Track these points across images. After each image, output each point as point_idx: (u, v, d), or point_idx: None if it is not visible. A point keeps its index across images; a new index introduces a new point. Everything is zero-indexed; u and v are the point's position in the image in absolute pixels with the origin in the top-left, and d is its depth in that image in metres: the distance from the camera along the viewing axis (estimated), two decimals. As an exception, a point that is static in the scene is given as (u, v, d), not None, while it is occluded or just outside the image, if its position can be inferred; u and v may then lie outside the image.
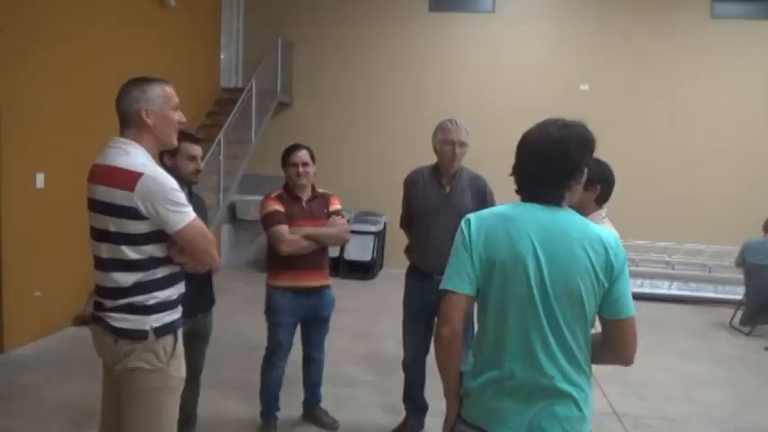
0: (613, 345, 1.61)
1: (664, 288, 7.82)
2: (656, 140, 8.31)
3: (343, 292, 6.52)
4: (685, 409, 4.12)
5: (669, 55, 8.21)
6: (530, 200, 1.62)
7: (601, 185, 2.46)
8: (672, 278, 7.92)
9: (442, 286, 1.63)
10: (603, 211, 2.52)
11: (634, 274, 7.87)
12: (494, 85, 8.52)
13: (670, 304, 7.46)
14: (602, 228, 1.61)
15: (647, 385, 4.52)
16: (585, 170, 1.63)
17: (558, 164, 1.57)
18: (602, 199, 2.50)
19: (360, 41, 8.79)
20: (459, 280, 1.61)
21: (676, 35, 8.18)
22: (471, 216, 1.67)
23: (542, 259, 1.54)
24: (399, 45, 8.71)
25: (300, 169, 3.18)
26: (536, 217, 1.58)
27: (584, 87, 8.37)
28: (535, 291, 1.54)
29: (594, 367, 2.46)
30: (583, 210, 2.48)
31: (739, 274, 6.72)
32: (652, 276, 7.95)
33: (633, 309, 1.59)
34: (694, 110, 8.22)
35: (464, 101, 8.28)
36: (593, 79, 8.36)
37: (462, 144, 3.12)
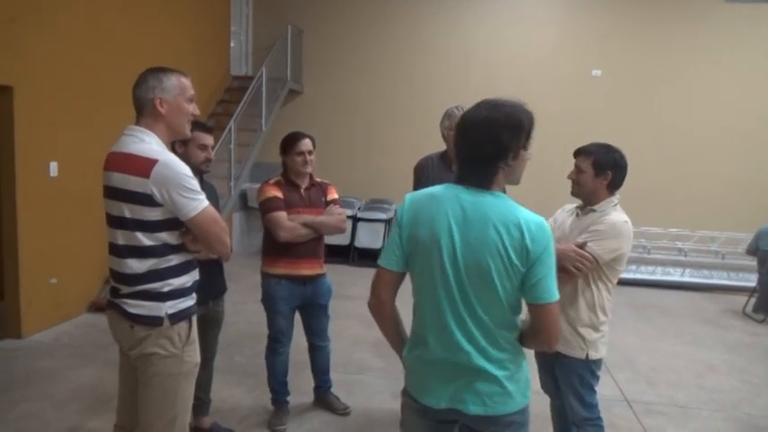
0: (536, 329, 1.63)
1: (676, 275, 7.78)
2: (669, 126, 8.21)
3: (354, 280, 6.56)
4: (696, 396, 4.11)
5: (682, 39, 8.09)
6: (460, 180, 1.64)
7: (612, 172, 2.44)
8: (684, 265, 7.88)
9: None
10: (616, 198, 2.51)
11: (646, 262, 7.84)
12: (504, 70, 8.45)
13: (682, 291, 7.43)
14: (529, 213, 1.59)
15: (658, 372, 4.52)
16: (521, 151, 1.61)
17: (484, 146, 1.57)
18: (613, 186, 2.48)
19: (370, 28, 8.74)
20: (387, 257, 1.70)
21: (689, 19, 8.05)
22: (408, 195, 1.72)
23: (457, 239, 1.58)
24: (409, 31, 8.64)
25: (307, 158, 3.19)
26: (459, 198, 1.61)
27: (597, 73, 8.28)
28: (449, 269, 1.59)
29: (605, 353, 2.49)
30: (594, 196, 2.49)
31: (752, 262, 6.67)
32: (664, 263, 7.91)
33: (555, 295, 1.58)
34: (708, 95, 8.11)
35: (474, 87, 8.22)
36: (606, 64, 8.26)
37: None
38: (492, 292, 1.57)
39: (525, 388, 1.69)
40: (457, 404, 1.64)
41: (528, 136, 1.62)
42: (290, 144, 3.21)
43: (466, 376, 1.62)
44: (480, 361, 1.60)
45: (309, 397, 3.65)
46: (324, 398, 3.59)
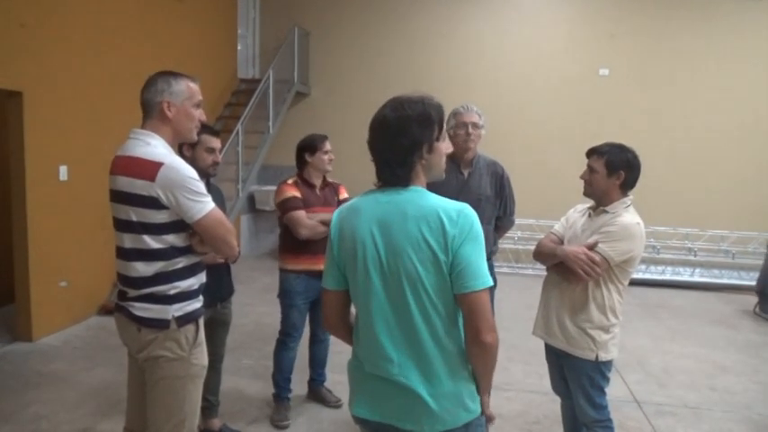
0: (466, 324, 1.51)
1: (686, 275, 7.71)
2: (678, 125, 8.14)
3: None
4: (708, 396, 4.07)
5: (691, 37, 8.02)
6: (380, 182, 1.61)
7: (625, 172, 2.43)
8: (694, 265, 7.81)
9: None
10: (629, 199, 2.49)
11: (656, 261, 7.78)
12: (511, 70, 8.41)
13: (692, 291, 7.36)
14: (449, 201, 1.53)
15: (669, 373, 4.48)
16: (435, 143, 1.57)
17: (395, 144, 1.53)
18: (626, 186, 2.47)
19: (376, 29, 8.74)
20: (326, 277, 1.69)
21: (698, 16, 7.98)
22: (336, 210, 1.69)
23: (380, 244, 1.53)
24: (415, 32, 8.63)
25: (332, 156, 3.39)
26: (378, 202, 1.57)
27: (604, 72, 8.23)
28: (374, 278, 1.54)
29: (616, 353, 2.47)
30: (606, 197, 2.47)
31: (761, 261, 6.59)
32: (674, 263, 7.85)
33: (484, 282, 1.48)
34: (718, 93, 8.03)
35: (481, 87, 8.21)
36: (613, 63, 8.21)
37: (476, 126, 3.10)
38: (422, 295, 1.50)
39: (470, 401, 1.57)
40: (390, 419, 1.58)
41: (440, 127, 1.58)
42: (317, 144, 3.37)
43: (396, 391, 1.55)
44: (409, 376, 1.53)
45: (303, 390, 3.72)
46: (317, 391, 3.72)
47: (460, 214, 1.49)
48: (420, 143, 1.53)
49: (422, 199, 1.54)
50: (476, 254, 1.49)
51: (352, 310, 1.71)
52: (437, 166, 1.61)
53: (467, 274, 1.47)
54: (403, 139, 1.52)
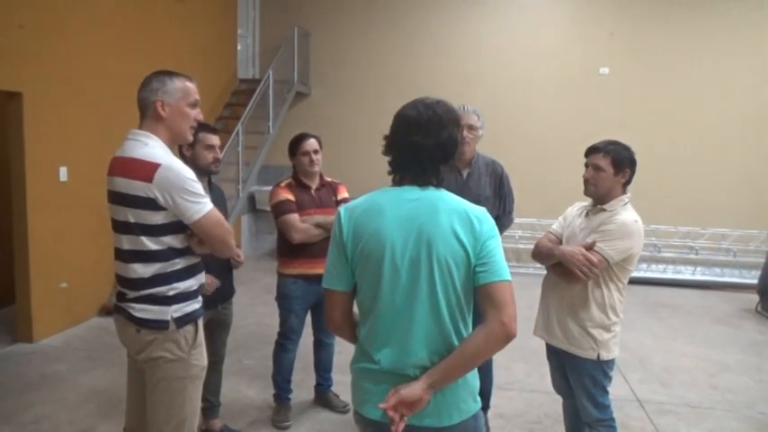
0: (494, 307, 1.49)
1: (687, 273, 7.70)
2: (679, 123, 8.13)
3: (363, 281, 6.56)
4: (709, 395, 4.07)
5: (691, 36, 7.99)
6: (406, 181, 1.60)
7: (629, 169, 2.43)
8: (696, 263, 7.80)
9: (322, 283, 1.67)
10: (627, 197, 2.48)
11: (657, 260, 7.76)
12: (511, 69, 8.40)
13: (694, 290, 7.34)
14: (471, 204, 1.58)
15: (671, 372, 4.47)
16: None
17: (443, 143, 1.57)
18: (628, 183, 2.47)
19: (376, 29, 8.73)
20: (333, 277, 1.63)
21: (698, 15, 7.95)
22: (342, 209, 1.64)
23: (410, 241, 1.52)
24: (415, 32, 8.63)
25: (313, 157, 3.25)
26: (402, 199, 1.56)
27: (604, 70, 8.21)
28: (404, 274, 1.52)
29: (617, 352, 2.47)
30: (610, 195, 2.46)
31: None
32: (675, 262, 7.84)
33: (508, 275, 1.53)
34: (718, 92, 8.01)
35: (481, 87, 8.20)
36: (613, 62, 8.20)
37: (472, 128, 3.08)
38: (451, 290, 1.52)
39: (476, 392, 1.63)
40: (410, 418, 1.53)
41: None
42: (296, 145, 3.29)
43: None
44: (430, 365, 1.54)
45: (310, 395, 3.71)
46: (324, 395, 3.66)
47: (484, 213, 1.57)
48: (456, 146, 1.60)
49: (449, 197, 1.58)
50: (499, 250, 1.55)
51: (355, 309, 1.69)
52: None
53: (494, 266, 1.52)
54: (448, 138, 1.58)
